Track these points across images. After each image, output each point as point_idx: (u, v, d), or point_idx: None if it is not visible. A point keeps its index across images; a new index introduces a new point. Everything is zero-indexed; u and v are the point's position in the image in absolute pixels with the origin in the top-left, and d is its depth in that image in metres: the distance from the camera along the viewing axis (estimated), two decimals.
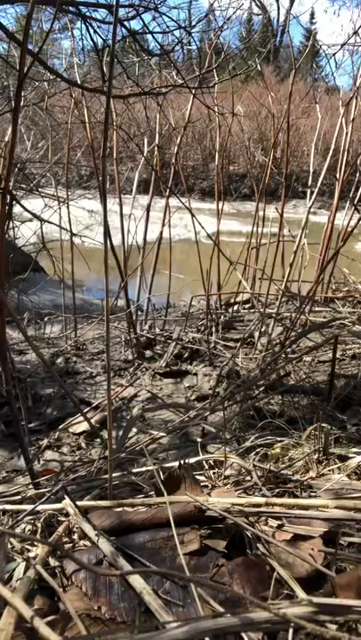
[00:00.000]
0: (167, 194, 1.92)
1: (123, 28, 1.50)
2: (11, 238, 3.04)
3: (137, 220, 2.03)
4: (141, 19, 1.45)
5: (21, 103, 1.48)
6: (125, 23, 1.50)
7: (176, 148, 2.14)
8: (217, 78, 1.96)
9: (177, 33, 1.55)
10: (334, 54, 1.39)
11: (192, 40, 1.61)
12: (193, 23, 1.56)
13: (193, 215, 1.85)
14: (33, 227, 2.42)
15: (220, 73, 2.00)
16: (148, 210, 1.97)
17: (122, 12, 1.46)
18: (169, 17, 1.49)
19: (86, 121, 1.91)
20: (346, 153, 2.25)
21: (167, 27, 1.52)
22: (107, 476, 0.80)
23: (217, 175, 2.39)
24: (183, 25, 1.54)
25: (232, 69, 1.97)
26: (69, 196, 2.18)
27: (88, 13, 1.43)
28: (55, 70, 1.34)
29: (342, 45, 1.37)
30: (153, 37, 1.54)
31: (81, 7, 1.40)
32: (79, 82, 1.89)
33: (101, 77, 1.52)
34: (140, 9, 1.43)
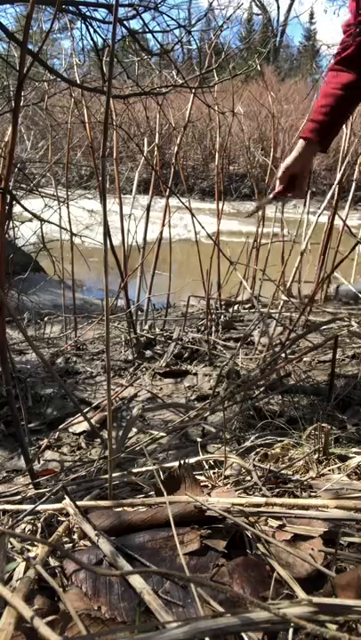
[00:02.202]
0: (167, 194, 1.92)
1: (122, 28, 1.50)
2: (11, 238, 3.04)
3: (137, 219, 2.03)
4: (141, 18, 1.45)
5: (21, 103, 1.48)
6: (125, 23, 1.50)
7: (176, 148, 2.14)
8: (217, 78, 1.96)
9: (177, 32, 1.54)
10: (335, 55, 1.39)
11: (192, 39, 1.61)
12: (193, 22, 1.55)
13: (193, 215, 1.85)
14: (33, 227, 2.42)
15: (221, 73, 2.00)
16: (148, 210, 1.97)
17: (121, 11, 1.46)
18: (169, 16, 1.49)
19: (86, 121, 1.91)
20: (346, 153, 2.25)
21: (167, 25, 1.51)
22: (107, 476, 0.80)
23: (217, 175, 2.39)
24: (183, 24, 1.54)
25: (232, 69, 1.97)
26: (69, 195, 2.18)
27: (88, 13, 1.43)
28: (55, 70, 1.34)
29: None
30: (153, 37, 1.53)
31: (81, 7, 1.40)
32: (79, 82, 1.89)
33: (101, 77, 1.52)
34: (140, 8, 1.43)
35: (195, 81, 1.78)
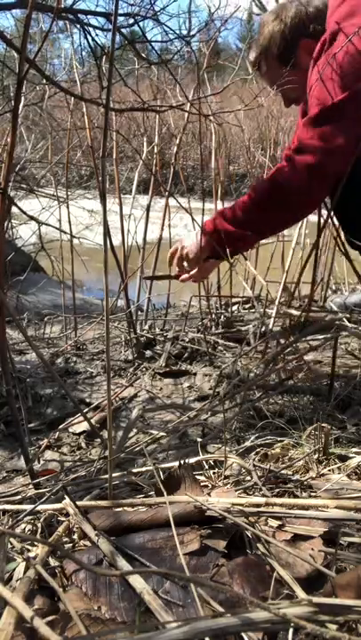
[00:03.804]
0: (167, 195, 1.92)
1: (120, 35, 1.49)
2: (11, 238, 3.05)
3: (137, 220, 2.03)
4: (140, 28, 1.45)
5: (21, 104, 1.48)
6: (124, 31, 1.49)
7: (175, 149, 2.14)
8: (217, 79, 1.96)
9: (176, 37, 1.54)
10: (335, 54, 1.40)
11: (191, 50, 1.60)
12: (193, 31, 1.55)
13: (193, 219, 1.85)
14: (33, 226, 2.42)
15: (220, 74, 2.00)
16: (147, 210, 1.97)
17: (120, 19, 1.45)
18: (168, 27, 1.47)
19: (86, 124, 1.91)
20: None
21: (166, 34, 1.51)
22: (107, 476, 0.80)
23: (215, 176, 2.39)
24: (183, 32, 1.53)
25: (231, 70, 1.97)
26: (69, 196, 2.18)
27: (86, 21, 1.42)
28: (53, 79, 1.34)
29: (342, 46, 1.37)
30: (151, 47, 1.53)
31: (79, 15, 1.39)
32: (78, 82, 1.89)
33: (100, 87, 1.51)
34: (139, 18, 1.42)
35: (193, 84, 1.78)
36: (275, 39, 1.61)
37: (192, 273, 1.71)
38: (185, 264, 1.73)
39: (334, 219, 1.76)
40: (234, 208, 1.58)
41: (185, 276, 1.75)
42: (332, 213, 1.68)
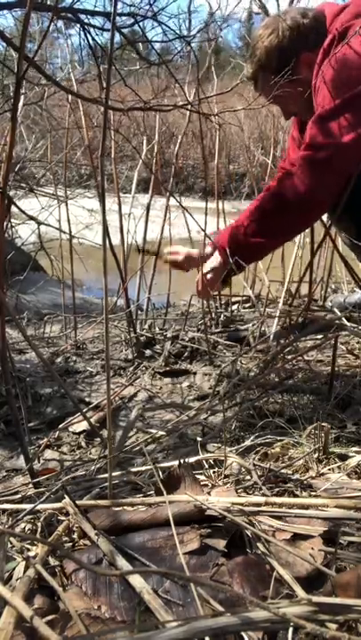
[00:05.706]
0: (167, 195, 1.92)
1: (121, 36, 1.49)
2: (10, 237, 3.04)
3: (137, 219, 2.02)
4: (140, 27, 1.44)
5: (20, 104, 1.48)
6: (124, 30, 1.49)
7: (176, 149, 2.14)
8: (216, 80, 1.96)
9: (176, 37, 1.53)
10: (335, 54, 1.40)
11: (192, 50, 1.60)
12: (193, 32, 1.54)
13: (193, 217, 1.85)
14: (33, 225, 2.42)
15: (220, 72, 2.00)
16: (147, 209, 1.96)
17: (121, 19, 1.45)
18: (167, 26, 1.46)
19: (83, 125, 1.91)
20: None
21: (165, 35, 1.50)
22: (107, 475, 0.80)
23: (216, 175, 2.39)
24: (183, 34, 1.52)
25: (231, 69, 1.98)
26: (69, 195, 2.18)
27: (86, 20, 1.42)
28: (52, 77, 1.33)
29: (343, 44, 1.37)
30: (152, 47, 1.52)
31: (79, 14, 1.39)
32: (74, 82, 1.89)
33: (100, 87, 1.51)
34: (138, 17, 1.42)
35: (194, 82, 1.78)
36: (273, 54, 1.55)
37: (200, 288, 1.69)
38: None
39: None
40: (247, 220, 1.56)
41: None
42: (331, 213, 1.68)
